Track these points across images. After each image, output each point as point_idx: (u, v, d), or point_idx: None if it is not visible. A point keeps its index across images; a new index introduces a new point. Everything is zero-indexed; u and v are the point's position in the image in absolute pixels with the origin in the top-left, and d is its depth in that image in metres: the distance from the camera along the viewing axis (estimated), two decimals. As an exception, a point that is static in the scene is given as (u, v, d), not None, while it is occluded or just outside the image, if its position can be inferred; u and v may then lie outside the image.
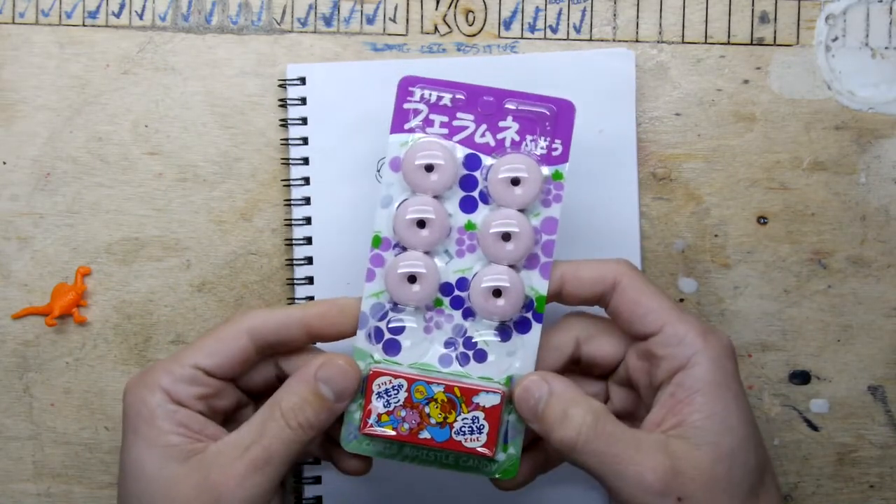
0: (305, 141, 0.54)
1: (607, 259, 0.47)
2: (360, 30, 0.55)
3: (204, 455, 0.45)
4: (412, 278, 0.46)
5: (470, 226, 0.47)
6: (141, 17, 0.55)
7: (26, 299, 0.55)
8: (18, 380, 0.55)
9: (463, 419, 0.46)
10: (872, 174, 0.55)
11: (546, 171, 0.47)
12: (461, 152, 0.47)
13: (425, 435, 0.46)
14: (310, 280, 0.55)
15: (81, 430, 0.55)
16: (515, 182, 0.46)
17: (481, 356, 0.47)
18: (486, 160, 0.47)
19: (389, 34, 0.55)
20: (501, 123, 0.47)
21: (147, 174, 0.55)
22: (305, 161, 0.54)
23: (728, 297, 0.55)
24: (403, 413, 0.46)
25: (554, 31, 0.55)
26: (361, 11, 0.55)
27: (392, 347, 0.47)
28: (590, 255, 0.49)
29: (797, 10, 0.55)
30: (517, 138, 0.47)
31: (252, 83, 0.55)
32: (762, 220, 0.55)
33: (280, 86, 0.55)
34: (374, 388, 0.46)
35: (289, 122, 0.55)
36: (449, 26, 0.55)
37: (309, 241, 0.55)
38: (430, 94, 0.47)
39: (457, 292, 0.47)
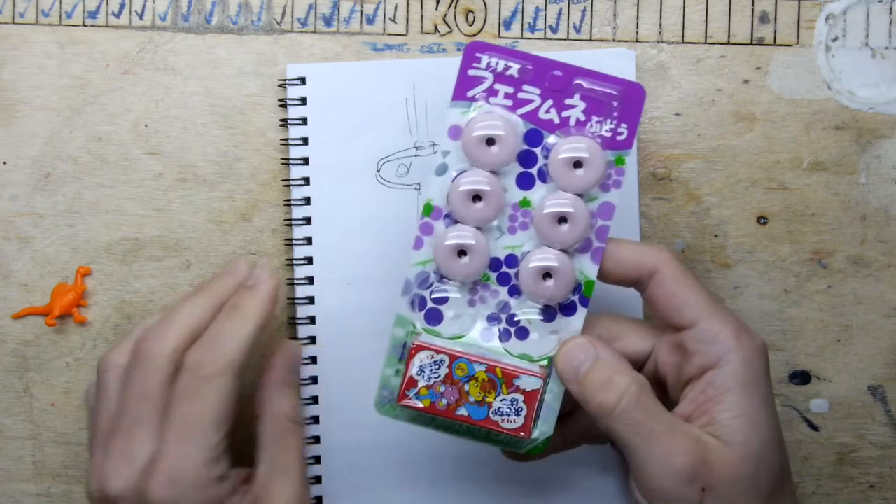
0: (305, 141, 0.54)
1: (650, 244, 0.47)
2: (360, 30, 0.55)
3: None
4: (462, 252, 0.45)
5: (525, 203, 0.46)
6: (141, 17, 0.55)
7: (26, 299, 0.55)
8: (18, 380, 0.55)
9: (502, 400, 0.46)
10: (872, 174, 0.55)
11: (609, 155, 0.46)
12: (523, 126, 0.46)
13: (463, 412, 0.46)
14: (310, 280, 0.54)
15: (81, 430, 0.55)
16: (577, 164, 0.45)
17: (523, 333, 0.46)
18: (549, 137, 0.46)
19: (389, 34, 0.55)
20: (568, 101, 0.46)
21: (147, 174, 0.55)
22: (305, 161, 0.54)
23: (728, 297, 0.55)
24: (443, 388, 0.46)
25: (554, 31, 0.55)
26: (361, 11, 0.55)
27: (434, 317, 0.46)
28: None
29: (797, 10, 0.55)
30: (583, 118, 0.46)
31: (252, 83, 0.55)
32: (762, 220, 0.55)
33: (280, 86, 0.55)
34: (416, 361, 0.46)
35: (289, 122, 0.55)
36: (449, 26, 0.55)
37: (309, 241, 0.55)
38: (497, 63, 0.45)
39: (504, 269, 0.46)
